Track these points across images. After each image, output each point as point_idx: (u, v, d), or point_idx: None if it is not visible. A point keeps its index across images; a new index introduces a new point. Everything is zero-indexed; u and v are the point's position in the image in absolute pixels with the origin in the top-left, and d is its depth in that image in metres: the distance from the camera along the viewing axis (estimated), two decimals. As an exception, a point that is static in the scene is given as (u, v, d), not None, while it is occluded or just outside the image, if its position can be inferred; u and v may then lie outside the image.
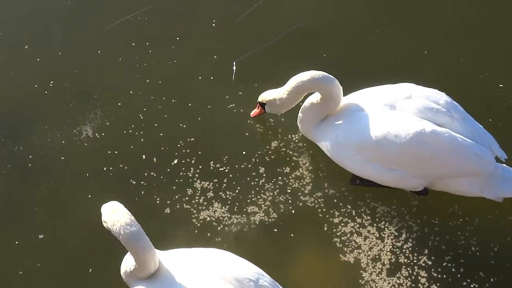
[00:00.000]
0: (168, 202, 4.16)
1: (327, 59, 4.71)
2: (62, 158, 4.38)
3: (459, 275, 3.82)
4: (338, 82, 3.96)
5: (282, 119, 4.53)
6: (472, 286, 3.78)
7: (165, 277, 3.39)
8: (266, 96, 4.19)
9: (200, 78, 4.82)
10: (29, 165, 4.35)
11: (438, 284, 3.78)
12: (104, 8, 5.30)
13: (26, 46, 5.01)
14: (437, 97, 3.98)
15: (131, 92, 4.74)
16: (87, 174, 4.31)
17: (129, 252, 3.34)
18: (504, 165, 3.96)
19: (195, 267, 3.34)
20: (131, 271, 3.40)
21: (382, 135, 3.85)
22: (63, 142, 4.46)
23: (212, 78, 4.82)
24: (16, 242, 3.98)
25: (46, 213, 4.15)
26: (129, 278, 3.48)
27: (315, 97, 4.08)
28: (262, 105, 4.26)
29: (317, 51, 4.77)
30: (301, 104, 4.26)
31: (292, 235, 4.03)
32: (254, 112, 4.40)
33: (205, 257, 3.41)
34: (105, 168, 4.35)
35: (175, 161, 4.36)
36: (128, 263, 3.43)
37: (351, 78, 4.42)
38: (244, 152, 4.41)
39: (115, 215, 3.23)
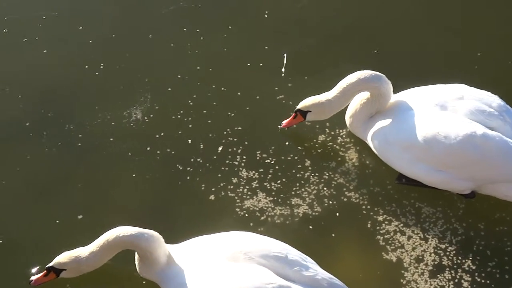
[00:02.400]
0: (213, 189, 4.18)
1: (378, 56, 4.71)
2: (111, 139, 4.43)
3: (503, 282, 3.78)
4: (386, 78, 3.96)
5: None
6: None
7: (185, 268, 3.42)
8: (309, 102, 4.15)
9: (250, 68, 4.85)
10: (79, 144, 4.41)
11: None
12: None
13: (81, 27, 5.09)
14: (489, 100, 3.96)
15: (181, 77, 4.78)
16: (135, 156, 4.35)
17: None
18: None
19: (220, 252, 3.35)
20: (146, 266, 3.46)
21: (432, 135, 3.83)
22: (113, 123, 4.51)
23: (262, 68, 4.83)
24: (57, 221, 4.03)
25: (89, 193, 4.20)
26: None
27: (365, 94, 4.08)
28: (303, 113, 4.19)
29: (369, 47, 4.75)
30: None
31: (335, 229, 4.03)
32: (288, 121, 4.32)
33: (229, 240, 3.42)
34: (152, 151, 4.39)
35: (220, 149, 4.40)
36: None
37: (401, 76, 4.41)
38: (291, 144, 4.42)
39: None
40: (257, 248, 3.32)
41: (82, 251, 3.37)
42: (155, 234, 3.39)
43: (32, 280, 3.42)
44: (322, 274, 3.31)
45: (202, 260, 3.35)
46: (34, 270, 3.51)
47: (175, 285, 3.35)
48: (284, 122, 4.33)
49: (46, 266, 3.38)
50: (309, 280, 3.27)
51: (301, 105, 4.18)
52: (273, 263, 3.28)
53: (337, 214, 4.09)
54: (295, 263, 3.30)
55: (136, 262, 3.52)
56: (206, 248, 3.42)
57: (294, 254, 3.35)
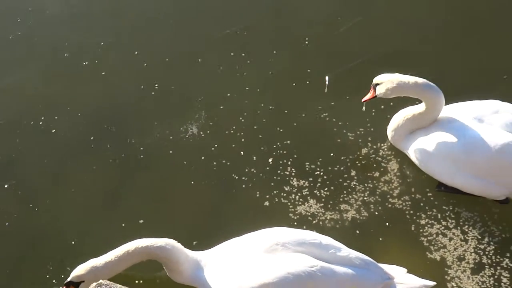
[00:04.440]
0: (267, 196, 4.32)
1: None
2: (170, 151, 4.59)
3: None
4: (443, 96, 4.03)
5: (372, 129, 4.67)
6: None
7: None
8: (381, 78, 4.16)
9: (294, 88, 4.97)
10: (141, 156, 4.59)
11: None
12: (206, 22, 5.51)
13: (136, 52, 5.25)
14: None
15: (230, 96, 4.92)
16: (192, 167, 4.51)
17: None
18: None
19: (256, 248, 3.46)
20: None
21: (471, 145, 3.97)
22: (171, 137, 4.66)
23: (306, 89, 4.96)
24: (123, 225, 4.20)
25: (149, 199, 4.35)
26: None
27: (419, 108, 4.17)
28: (375, 86, 4.19)
29: (405, 69, 4.63)
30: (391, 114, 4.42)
31: (381, 233, 4.15)
32: (368, 97, 4.30)
33: (263, 236, 3.54)
34: (208, 162, 4.53)
35: (271, 160, 4.52)
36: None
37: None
38: (336, 156, 4.53)
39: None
40: (292, 238, 3.45)
41: (98, 261, 3.46)
42: (170, 241, 3.52)
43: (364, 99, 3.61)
44: (354, 253, 3.49)
45: (239, 257, 3.46)
46: None
47: (214, 282, 3.47)
48: (366, 97, 4.34)
49: (65, 282, 3.47)
50: (344, 260, 3.44)
51: (375, 79, 4.20)
52: (310, 249, 3.43)
53: (383, 218, 4.22)
54: (329, 247, 3.47)
55: (165, 270, 3.65)
56: (241, 246, 3.53)
57: (326, 239, 3.51)
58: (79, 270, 3.46)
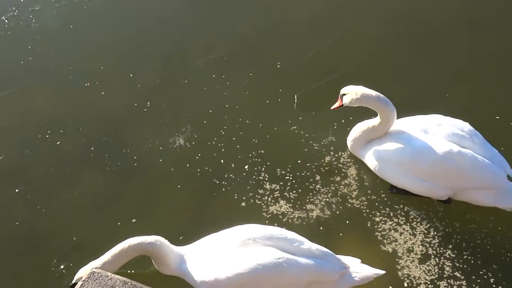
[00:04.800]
0: (243, 198, 4.32)
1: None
2: (160, 160, 4.59)
3: (476, 266, 3.93)
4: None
5: (334, 140, 4.67)
6: (486, 275, 3.90)
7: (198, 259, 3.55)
8: (348, 89, 4.15)
9: (268, 105, 4.97)
10: (134, 164, 4.57)
11: (460, 272, 3.91)
12: (191, 50, 5.51)
13: (131, 75, 5.24)
14: (462, 126, 4.13)
15: (213, 113, 4.91)
16: (179, 173, 4.49)
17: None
18: None
19: (231, 242, 3.46)
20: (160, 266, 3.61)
21: (418, 153, 4.00)
22: (161, 148, 4.66)
23: (277, 106, 4.95)
24: (118, 223, 4.18)
25: (141, 201, 4.33)
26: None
27: (374, 121, 4.19)
28: (342, 96, 4.17)
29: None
30: (350, 127, 4.44)
31: (342, 229, 4.17)
32: (336, 105, 4.27)
33: (237, 232, 3.53)
34: (192, 169, 4.53)
35: (247, 167, 4.52)
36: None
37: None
38: (303, 163, 4.54)
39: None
40: (262, 234, 3.46)
41: (97, 263, 3.43)
42: (159, 238, 3.52)
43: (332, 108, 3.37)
44: (315, 246, 3.50)
45: (217, 250, 3.46)
46: None
47: (195, 273, 3.47)
48: (334, 106, 4.30)
49: (70, 284, 3.48)
50: (306, 252, 3.45)
51: (343, 90, 4.18)
52: (277, 242, 3.43)
53: (343, 216, 4.23)
54: (294, 240, 3.47)
55: (154, 264, 3.64)
56: (218, 241, 3.53)
57: (291, 234, 3.52)
58: (81, 273, 3.43)
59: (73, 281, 3.43)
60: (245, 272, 3.30)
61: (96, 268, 3.35)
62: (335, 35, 5.54)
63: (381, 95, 4.04)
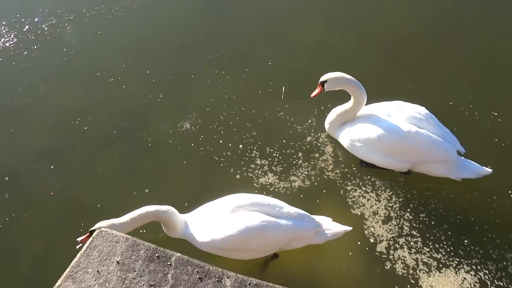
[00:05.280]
0: (238, 171, 4.31)
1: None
2: (170, 141, 4.57)
3: (430, 226, 3.94)
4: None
5: (314, 123, 4.65)
6: (438, 233, 3.90)
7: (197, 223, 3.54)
8: (328, 75, 4.05)
9: (260, 95, 4.95)
10: (149, 144, 4.55)
11: (416, 230, 3.90)
12: (197, 50, 5.46)
13: (148, 72, 5.22)
14: (419, 110, 4.09)
15: (214, 102, 4.90)
16: (185, 151, 4.47)
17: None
18: (462, 157, 4.07)
19: (223, 209, 3.46)
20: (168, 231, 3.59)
21: (383, 133, 3.98)
22: (171, 131, 4.64)
23: (268, 96, 4.93)
24: (134, 193, 4.17)
25: (154, 175, 4.32)
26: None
27: (347, 105, 4.17)
28: (323, 83, 4.06)
29: None
30: (327, 112, 4.41)
31: (319, 196, 4.15)
32: (315, 92, 4.15)
33: (228, 200, 3.52)
34: (196, 148, 4.51)
35: (241, 146, 4.50)
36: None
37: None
38: (288, 143, 4.53)
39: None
40: (248, 201, 3.45)
41: (117, 221, 3.40)
42: (170, 207, 3.50)
43: (78, 240, 3.34)
44: (293, 209, 3.49)
45: (212, 216, 3.46)
46: (79, 239, 3.45)
47: (197, 235, 3.47)
48: (313, 93, 4.17)
49: (89, 229, 3.40)
50: (286, 214, 3.44)
51: (323, 77, 4.06)
52: (262, 208, 3.43)
53: (321, 186, 4.21)
54: (275, 206, 3.46)
55: (163, 229, 3.63)
56: (213, 208, 3.52)
57: (274, 200, 3.51)
58: (102, 223, 3.42)
59: (93, 228, 3.40)
60: (236, 233, 3.30)
61: (112, 224, 3.39)
62: (316, 39, 5.50)
63: (356, 80, 4.00)
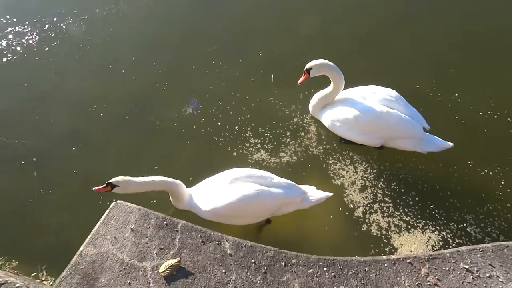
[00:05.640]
0: (235, 149, 4.29)
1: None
2: (175, 124, 4.53)
3: (400, 193, 3.96)
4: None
5: (299, 106, 4.60)
6: (407, 199, 3.92)
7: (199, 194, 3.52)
8: (313, 62, 3.97)
9: (253, 83, 4.90)
10: (157, 127, 4.51)
11: (388, 197, 3.92)
12: (197, 44, 5.37)
13: (154, 63, 5.14)
14: (390, 93, 4.08)
15: (213, 89, 4.84)
16: (188, 133, 4.44)
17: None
18: (428, 133, 4.06)
19: (222, 181, 3.45)
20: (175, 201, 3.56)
21: (358, 113, 3.96)
22: (175, 115, 4.59)
23: (260, 83, 4.88)
24: (145, 170, 4.11)
25: (162, 153, 4.28)
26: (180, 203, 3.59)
27: (327, 90, 4.13)
28: (308, 70, 3.97)
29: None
30: (311, 97, 4.36)
31: (304, 169, 4.14)
32: (301, 79, 4.05)
33: (226, 174, 3.50)
34: (198, 129, 4.47)
35: (237, 127, 4.47)
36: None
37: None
38: (277, 123, 4.50)
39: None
40: (244, 174, 3.45)
41: (133, 179, 3.29)
42: (180, 182, 3.48)
43: (94, 189, 3.23)
44: (282, 180, 3.50)
45: (213, 188, 3.45)
46: (95, 188, 3.33)
47: (200, 205, 3.46)
48: (300, 80, 4.06)
49: (106, 181, 3.26)
50: (276, 184, 3.45)
51: (308, 64, 3.96)
52: (256, 179, 3.43)
53: (306, 160, 4.20)
54: (267, 177, 3.46)
55: (171, 200, 3.61)
56: (214, 182, 3.51)
57: (265, 173, 3.51)
58: (118, 178, 3.28)
59: (110, 181, 3.25)
60: (234, 201, 3.31)
61: (129, 180, 3.27)
62: (300, 33, 5.42)
63: (336, 66, 3.96)
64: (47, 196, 4.02)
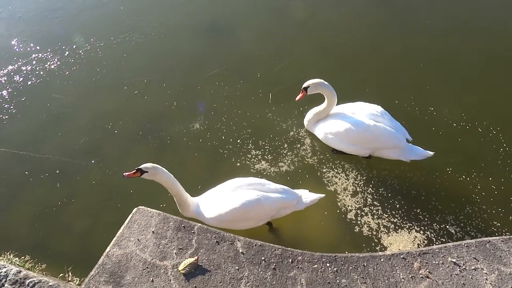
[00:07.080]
0: (238, 160, 4.31)
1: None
2: (184, 138, 4.55)
3: (387, 197, 3.97)
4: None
5: (295, 121, 4.63)
6: (394, 203, 3.92)
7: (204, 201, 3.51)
8: (310, 81, 3.97)
9: (253, 101, 4.92)
10: (168, 141, 4.54)
11: (377, 201, 3.93)
12: (202, 67, 5.40)
13: (164, 85, 5.18)
14: (376, 108, 4.11)
15: (217, 107, 4.86)
16: (196, 146, 4.46)
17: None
18: (410, 143, 4.09)
19: (225, 190, 3.44)
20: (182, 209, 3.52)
21: (349, 127, 3.99)
22: (184, 130, 4.63)
23: (259, 101, 4.90)
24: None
25: (172, 163, 4.23)
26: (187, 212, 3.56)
27: (322, 106, 4.16)
28: (306, 88, 3.98)
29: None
30: (305, 112, 4.38)
31: (300, 178, 4.16)
32: (299, 97, 4.03)
33: (229, 183, 3.50)
34: (204, 143, 4.50)
35: (239, 141, 4.48)
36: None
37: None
38: (276, 137, 4.52)
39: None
40: (245, 183, 3.45)
41: (162, 169, 3.23)
42: (188, 194, 3.49)
43: (124, 175, 3.18)
44: (279, 186, 3.51)
45: (217, 197, 3.45)
46: (126, 174, 3.27)
47: (205, 213, 3.45)
48: (297, 97, 4.04)
49: (136, 167, 3.22)
50: (274, 190, 3.46)
51: (306, 83, 3.95)
52: (255, 186, 3.44)
53: (302, 169, 4.22)
54: (265, 184, 3.48)
55: (179, 209, 3.58)
56: (217, 192, 3.51)
57: (263, 180, 3.51)
58: (149, 164, 3.19)
59: (140, 166, 3.19)
60: (237, 206, 3.32)
61: (157, 167, 3.22)
62: (292, 57, 5.47)
63: (331, 86, 4.00)
64: (70, 204, 4.04)
